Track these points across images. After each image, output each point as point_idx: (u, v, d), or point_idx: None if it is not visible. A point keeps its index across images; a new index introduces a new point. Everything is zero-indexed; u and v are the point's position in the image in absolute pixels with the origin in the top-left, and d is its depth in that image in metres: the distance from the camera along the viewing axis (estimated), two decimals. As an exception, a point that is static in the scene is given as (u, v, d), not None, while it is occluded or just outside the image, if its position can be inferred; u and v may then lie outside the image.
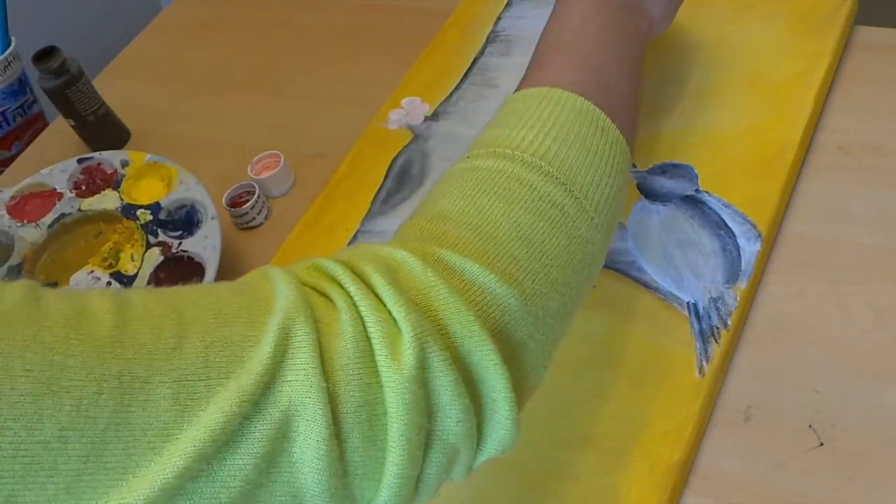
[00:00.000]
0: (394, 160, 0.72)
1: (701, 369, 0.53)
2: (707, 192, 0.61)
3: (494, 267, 0.38)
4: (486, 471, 0.52)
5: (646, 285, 0.58)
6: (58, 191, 0.72)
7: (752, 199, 0.59)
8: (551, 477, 0.51)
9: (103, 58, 0.99)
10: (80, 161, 0.73)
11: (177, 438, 0.30)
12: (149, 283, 0.65)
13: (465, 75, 0.77)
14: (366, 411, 0.34)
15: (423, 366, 0.34)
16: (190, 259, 0.66)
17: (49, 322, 0.30)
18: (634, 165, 0.64)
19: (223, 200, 0.73)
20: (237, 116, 0.85)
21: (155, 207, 0.69)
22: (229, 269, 0.71)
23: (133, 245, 0.68)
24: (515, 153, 0.42)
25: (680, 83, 0.69)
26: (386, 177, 0.71)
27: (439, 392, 0.35)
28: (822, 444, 0.50)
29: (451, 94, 0.76)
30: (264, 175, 0.74)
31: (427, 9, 0.86)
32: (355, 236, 0.67)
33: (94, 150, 0.86)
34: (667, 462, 0.50)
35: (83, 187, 0.72)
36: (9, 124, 1.24)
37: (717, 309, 0.55)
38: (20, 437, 0.28)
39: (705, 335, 0.54)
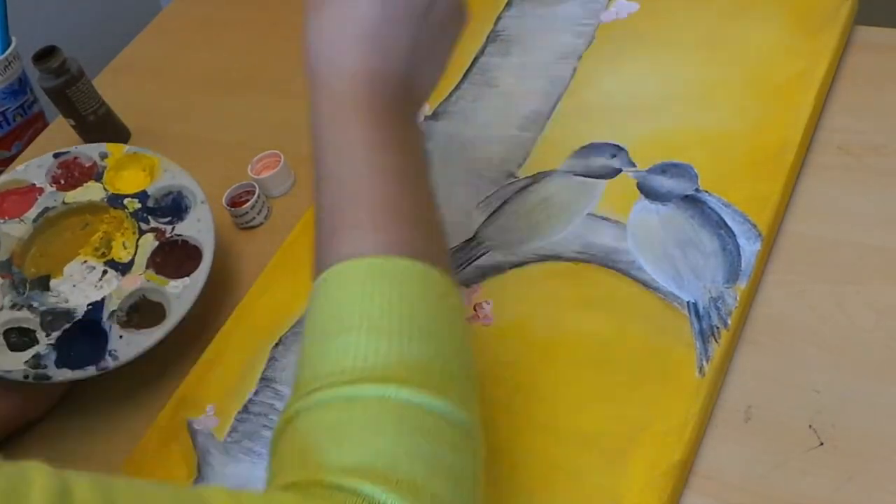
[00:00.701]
0: (394, 160, 0.72)
1: (701, 369, 0.53)
2: (707, 191, 0.61)
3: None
4: (486, 471, 0.52)
5: (646, 285, 0.58)
6: (37, 186, 0.71)
7: (752, 199, 0.59)
8: (551, 477, 0.51)
9: (103, 58, 0.99)
10: (55, 156, 0.73)
11: None
12: (147, 267, 0.65)
13: (465, 75, 0.77)
14: None
15: None
16: (185, 242, 0.66)
17: None
18: (634, 165, 0.64)
19: (223, 200, 0.73)
20: (237, 116, 0.85)
21: (142, 196, 0.69)
22: (229, 269, 0.71)
23: (124, 233, 0.68)
24: (371, 373, 0.39)
25: (680, 83, 0.69)
26: (386, 177, 0.71)
27: None
28: (822, 444, 0.50)
29: (450, 94, 0.76)
30: (264, 175, 0.74)
31: (427, 9, 0.86)
32: (355, 236, 0.67)
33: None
34: (667, 462, 0.50)
35: (62, 181, 0.72)
36: (9, 124, 1.24)
37: (717, 308, 0.55)
38: None
39: (705, 335, 0.54)
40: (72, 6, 1.65)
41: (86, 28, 1.63)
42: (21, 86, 1.26)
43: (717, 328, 0.54)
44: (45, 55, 0.80)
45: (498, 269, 0.62)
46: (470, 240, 0.64)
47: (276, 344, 0.63)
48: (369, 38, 0.46)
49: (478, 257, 0.63)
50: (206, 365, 0.63)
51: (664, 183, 0.63)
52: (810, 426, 0.50)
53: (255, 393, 0.61)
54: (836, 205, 0.60)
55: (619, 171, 0.64)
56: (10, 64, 1.22)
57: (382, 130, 0.46)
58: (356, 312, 0.40)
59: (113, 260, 0.66)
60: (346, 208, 0.44)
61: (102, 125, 0.85)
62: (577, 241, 0.61)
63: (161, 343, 0.62)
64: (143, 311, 0.64)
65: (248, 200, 0.73)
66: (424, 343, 0.40)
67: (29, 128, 1.27)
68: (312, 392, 0.39)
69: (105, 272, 0.65)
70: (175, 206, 0.69)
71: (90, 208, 0.70)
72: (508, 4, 0.82)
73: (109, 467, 0.61)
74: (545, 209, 0.64)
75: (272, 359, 0.62)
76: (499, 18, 0.81)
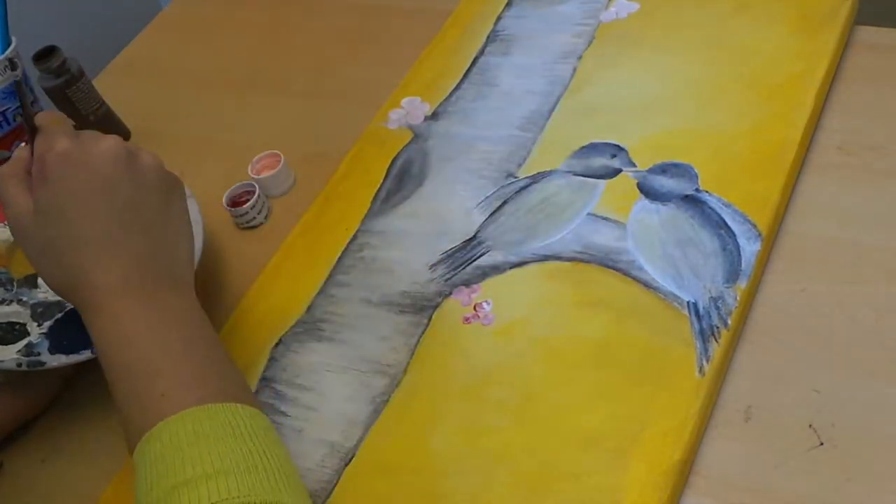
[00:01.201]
0: (394, 160, 0.72)
1: (701, 369, 0.53)
2: (707, 191, 0.61)
3: None
4: (486, 470, 0.52)
5: (646, 285, 0.58)
6: None
7: (752, 199, 0.59)
8: (551, 476, 0.51)
9: (103, 58, 0.99)
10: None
11: None
12: None
13: (465, 75, 0.77)
14: None
15: None
16: None
17: None
18: (635, 165, 0.64)
19: (223, 200, 0.73)
20: (237, 116, 0.85)
21: None
22: (230, 269, 0.71)
23: None
24: None
25: (680, 83, 0.69)
26: (386, 176, 0.71)
27: None
28: (822, 444, 0.50)
29: (451, 94, 0.76)
30: (264, 175, 0.74)
31: (427, 9, 0.86)
32: (356, 236, 0.67)
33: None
34: (667, 461, 0.50)
35: None
36: (9, 124, 1.24)
37: (718, 308, 0.55)
38: None
39: (705, 334, 0.54)
40: (72, 6, 1.65)
41: (86, 28, 1.63)
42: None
43: (718, 328, 0.54)
44: (45, 55, 0.80)
45: (498, 269, 0.62)
46: (470, 239, 0.64)
47: (276, 344, 0.63)
48: (107, 249, 0.50)
49: (478, 257, 0.63)
50: (206, 365, 0.63)
51: (664, 183, 0.63)
52: (810, 426, 0.50)
53: (255, 393, 0.60)
54: (836, 205, 0.60)
55: (620, 171, 0.64)
56: (10, 64, 1.22)
57: (143, 322, 0.49)
58: (195, 460, 0.43)
59: None
60: (148, 384, 0.47)
61: (103, 125, 0.85)
62: (577, 241, 0.61)
63: None
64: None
65: (248, 200, 0.73)
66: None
67: (29, 128, 1.27)
68: None
69: None
70: None
71: None
72: (508, 4, 0.82)
73: (109, 466, 0.61)
74: (545, 209, 0.64)
75: (272, 359, 0.62)
76: (499, 18, 0.81)
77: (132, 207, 0.51)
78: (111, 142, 0.52)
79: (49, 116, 0.54)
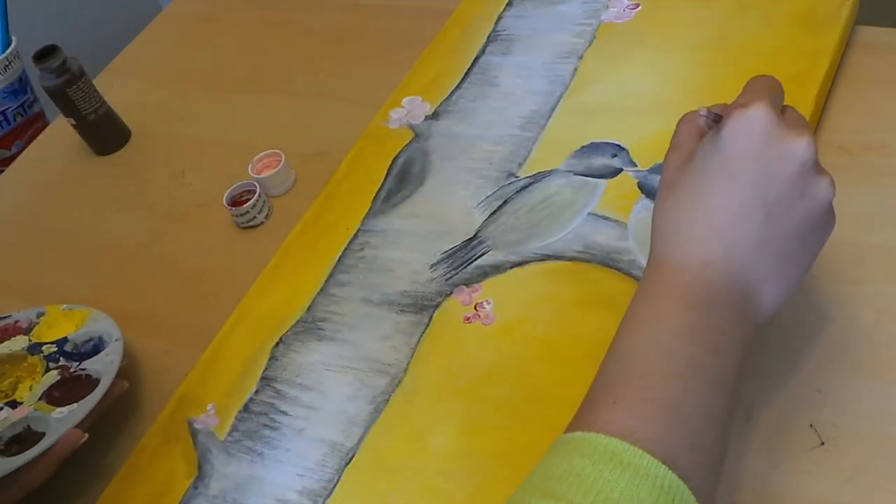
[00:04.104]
0: (394, 159, 0.72)
1: (701, 368, 0.53)
2: (708, 191, 0.61)
3: None
4: (485, 470, 0.52)
5: (646, 285, 0.58)
6: None
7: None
8: (552, 476, 0.51)
9: (103, 58, 0.99)
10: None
11: None
12: (40, 399, 0.61)
13: (466, 74, 0.77)
14: None
15: None
16: (88, 377, 0.63)
17: None
18: (635, 164, 0.64)
19: (224, 200, 0.73)
20: (237, 116, 0.85)
21: (61, 341, 0.66)
22: (230, 269, 0.71)
23: (34, 378, 0.65)
24: None
25: (681, 82, 0.69)
26: (387, 176, 0.71)
27: None
28: (822, 444, 0.50)
29: (451, 94, 0.76)
30: (265, 174, 0.74)
31: (427, 9, 0.87)
32: (356, 235, 0.67)
33: (96, 150, 0.87)
34: (667, 461, 0.50)
35: None
36: (9, 123, 1.24)
37: (718, 308, 0.55)
38: None
39: (706, 334, 0.54)
40: (72, 6, 1.66)
41: (86, 28, 1.63)
42: (21, 85, 1.26)
43: (718, 328, 0.54)
44: (45, 54, 0.80)
45: (499, 269, 0.62)
46: (470, 239, 0.64)
47: (277, 343, 0.63)
48: (716, 229, 0.44)
49: (478, 256, 0.63)
50: (206, 364, 0.63)
51: (665, 182, 0.63)
52: (811, 425, 0.50)
53: (256, 392, 0.61)
54: (837, 204, 0.60)
55: (620, 170, 0.64)
56: (10, 63, 1.22)
57: (694, 322, 0.42)
58: (566, 485, 0.38)
59: (14, 400, 0.63)
60: (623, 380, 0.42)
61: (103, 125, 0.85)
62: (578, 240, 0.61)
63: (30, 471, 0.57)
64: (25, 441, 0.60)
65: (248, 200, 0.73)
66: None
67: (29, 127, 1.27)
68: None
69: (0, 409, 0.62)
70: (94, 351, 0.65)
71: (11, 359, 0.66)
72: (509, 4, 0.82)
73: (111, 467, 0.61)
74: (546, 208, 0.64)
75: (273, 358, 0.62)
76: (500, 18, 0.81)
77: (775, 224, 0.44)
78: (804, 145, 0.44)
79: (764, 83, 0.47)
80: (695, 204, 0.45)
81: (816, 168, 0.44)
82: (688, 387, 0.40)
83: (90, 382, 0.62)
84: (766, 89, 0.46)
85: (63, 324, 0.69)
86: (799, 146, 0.43)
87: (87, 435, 0.58)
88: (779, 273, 0.45)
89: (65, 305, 0.70)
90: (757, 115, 0.43)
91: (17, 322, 0.70)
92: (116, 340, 0.64)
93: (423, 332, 0.60)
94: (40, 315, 0.70)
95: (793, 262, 0.45)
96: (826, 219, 0.46)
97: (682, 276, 0.44)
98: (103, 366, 0.62)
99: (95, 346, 0.66)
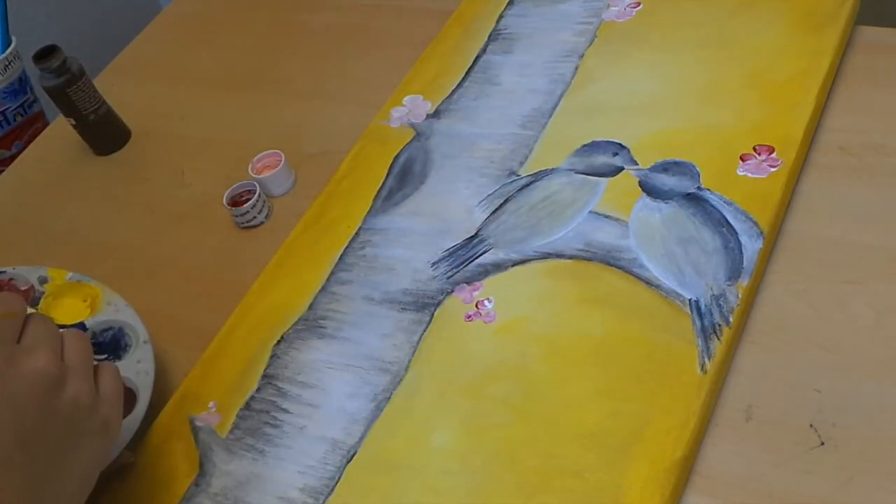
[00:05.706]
0: (395, 158, 0.72)
1: (703, 366, 0.53)
2: (709, 189, 0.61)
3: None
4: (487, 468, 0.52)
5: (648, 282, 0.58)
6: None
7: (754, 198, 0.60)
8: (552, 474, 0.51)
9: (103, 58, 0.99)
10: None
11: None
12: None
13: (467, 73, 0.77)
14: None
15: None
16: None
17: None
18: (636, 163, 0.64)
19: (223, 200, 0.73)
20: (237, 116, 0.85)
21: (80, 327, 0.63)
22: (230, 269, 0.71)
23: None
24: None
25: (682, 81, 0.69)
26: (388, 175, 0.71)
27: None
28: (822, 444, 0.50)
29: (452, 92, 0.76)
30: (265, 174, 0.75)
31: (427, 8, 0.87)
32: (357, 233, 0.67)
33: (96, 150, 0.87)
34: (669, 459, 0.50)
35: None
36: (9, 123, 1.24)
37: (720, 306, 0.55)
38: None
39: (707, 332, 0.54)
40: (72, 6, 1.65)
41: (86, 28, 1.63)
42: (21, 85, 1.26)
43: (719, 325, 0.54)
44: (45, 54, 0.80)
45: (499, 267, 0.62)
46: (471, 237, 0.64)
47: (278, 341, 0.63)
48: None
49: (479, 255, 0.63)
50: (207, 362, 0.63)
51: (666, 181, 0.63)
52: (811, 425, 0.50)
53: (257, 390, 0.61)
54: (837, 204, 0.60)
55: (621, 169, 0.65)
56: (10, 63, 1.22)
57: None
58: None
59: None
60: None
61: (103, 125, 0.85)
62: (579, 238, 0.61)
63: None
64: None
65: (248, 200, 0.73)
66: None
67: (29, 127, 1.27)
68: None
69: None
70: (114, 344, 0.63)
71: None
72: (510, 3, 0.82)
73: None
74: (547, 207, 0.64)
75: (274, 356, 0.62)
76: (501, 17, 0.81)
77: (35, 437, 0.46)
78: (42, 364, 0.46)
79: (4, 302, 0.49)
80: None
81: (55, 383, 0.46)
82: None
83: (124, 393, 0.58)
84: None
85: (70, 297, 0.66)
86: (28, 373, 0.46)
87: (135, 455, 0.58)
88: (54, 480, 0.46)
89: (70, 274, 0.66)
90: None
91: (11, 280, 0.66)
92: (145, 342, 0.62)
93: (425, 330, 0.60)
94: (43, 280, 0.66)
95: (55, 463, 0.46)
96: (91, 421, 0.48)
97: None
98: (136, 375, 0.60)
99: (115, 339, 0.63)
